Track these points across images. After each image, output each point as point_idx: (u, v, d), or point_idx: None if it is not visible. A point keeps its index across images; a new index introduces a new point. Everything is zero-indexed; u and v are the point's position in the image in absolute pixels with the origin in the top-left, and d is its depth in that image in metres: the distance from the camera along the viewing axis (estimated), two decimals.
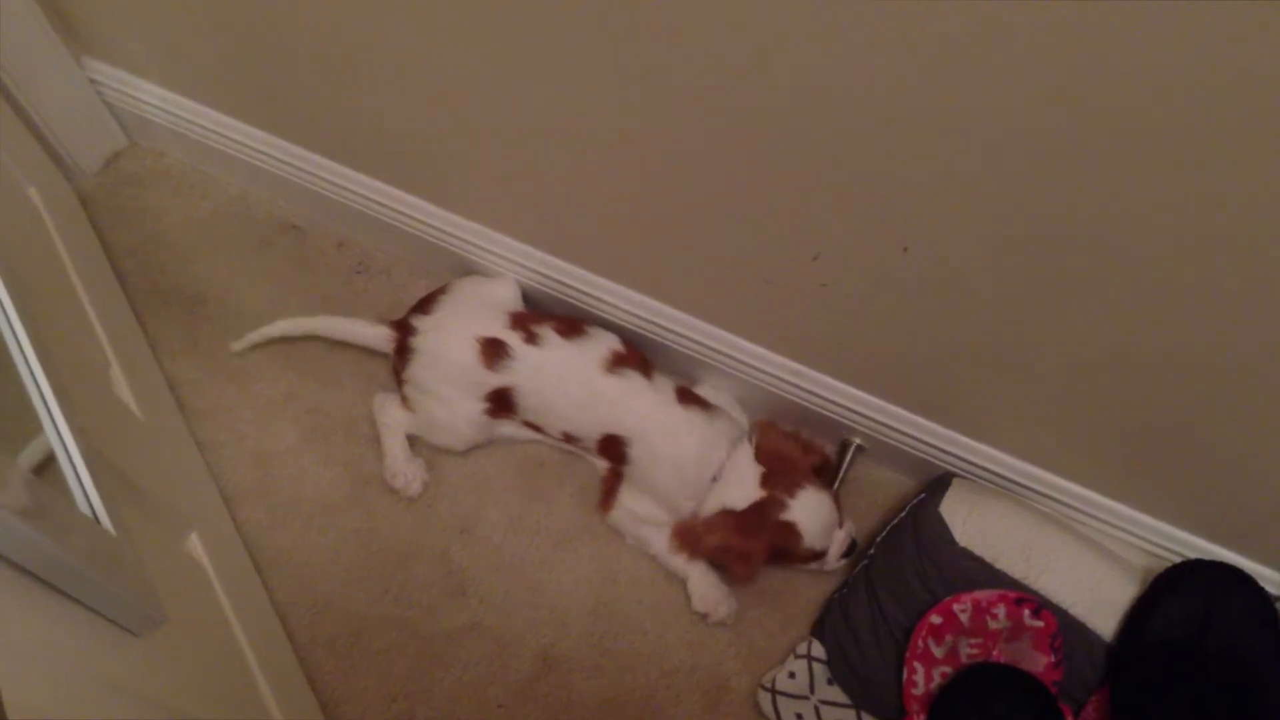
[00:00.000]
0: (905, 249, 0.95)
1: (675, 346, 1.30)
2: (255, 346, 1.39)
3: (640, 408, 1.21)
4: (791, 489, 1.17)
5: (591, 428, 1.23)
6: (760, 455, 1.20)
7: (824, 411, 1.27)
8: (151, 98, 1.46)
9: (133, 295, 1.44)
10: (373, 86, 1.18)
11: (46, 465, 0.82)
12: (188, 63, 1.37)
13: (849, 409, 1.24)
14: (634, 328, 1.31)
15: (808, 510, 1.17)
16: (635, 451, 1.22)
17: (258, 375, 1.39)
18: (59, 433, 0.84)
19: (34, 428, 0.83)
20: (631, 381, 1.21)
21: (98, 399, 1.09)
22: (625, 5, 0.86)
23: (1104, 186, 0.77)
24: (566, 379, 1.22)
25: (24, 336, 0.88)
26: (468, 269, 1.39)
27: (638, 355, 1.25)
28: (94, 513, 0.81)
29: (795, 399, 1.26)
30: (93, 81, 1.47)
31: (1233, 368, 0.88)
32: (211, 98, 1.42)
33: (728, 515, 1.17)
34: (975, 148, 0.80)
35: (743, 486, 1.17)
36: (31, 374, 0.86)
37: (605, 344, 1.24)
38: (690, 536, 1.19)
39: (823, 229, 0.99)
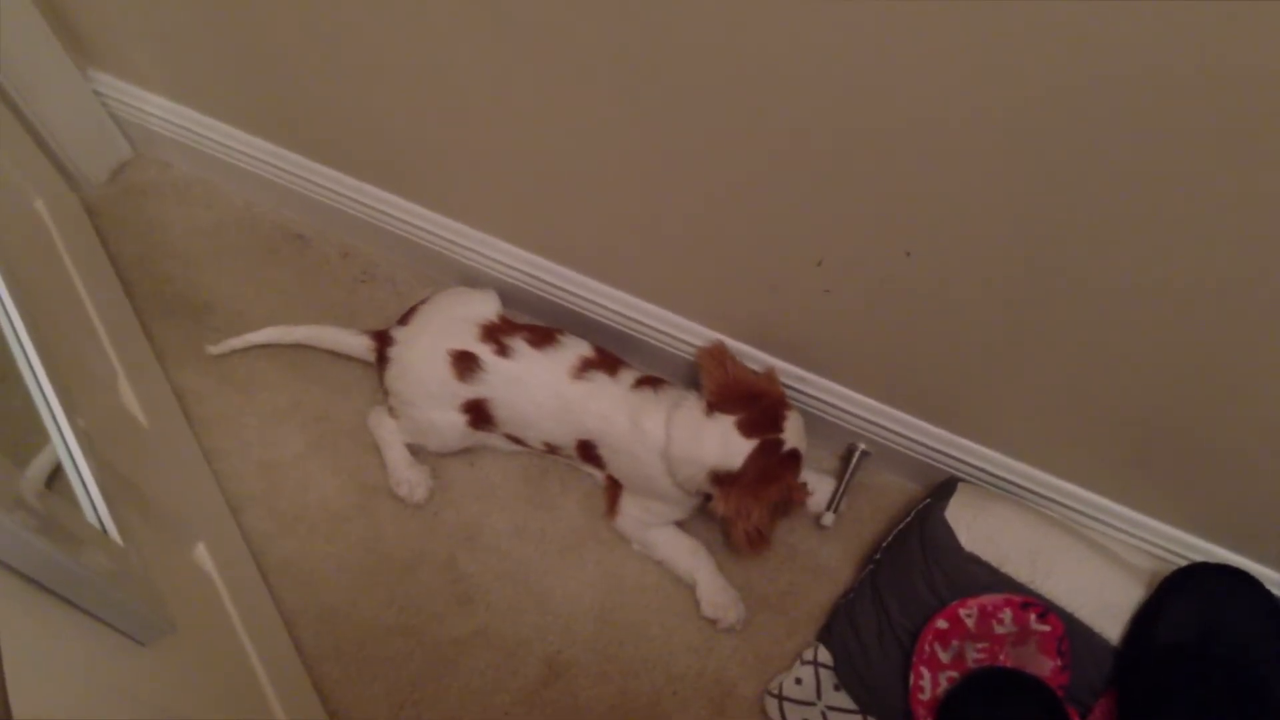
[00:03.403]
0: (908, 254, 0.95)
1: (678, 352, 1.30)
2: (237, 351, 1.40)
3: (599, 408, 1.19)
4: (778, 424, 1.13)
5: (566, 436, 1.23)
6: (717, 400, 1.15)
7: (829, 417, 1.27)
8: (156, 109, 1.47)
9: (139, 305, 1.45)
10: (376, 96, 1.19)
11: (54, 476, 0.82)
12: (192, 74, 1.38)
13: (854, 415, 1.25)
14: (639, 335, 1.31)
15: (798, 430, 1.15)
16: (604, 452, 1.22)
17: (263, 383, 1.40)
18: (66, 444, 0.84)
19: (42, 439, 0.84)
20: (594, 383, 1.20)
21: (105, 409, 1.10)
22: (629, 16, 0.86)
23: (1106, 189, 0.78)
24: (537, 389, 1.20)
25: (30, 347, 0.89)
26: (473, 277, 1.39)
27: (608, 357, 1.24)
28: (101, 524, 0.81)
29: (800, 405, 1.26)
30: (98, 93, 1.48)
31: (1237, 369, 0.88)
32: (215, 109, 1.43)
33: (738, 484, 1.11)
34: (977, 152, 0.80)
35: (721, 445, 1.12)
36: (38, 384, 0.87)
37: (575, 351, 1.22)
38: (747, 536, 1.13)
39: (826, 234, 0.99)
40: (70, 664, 0.68)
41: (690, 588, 1.26)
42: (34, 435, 0.84)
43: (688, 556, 1.26)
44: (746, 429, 1.12)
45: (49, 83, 1.39)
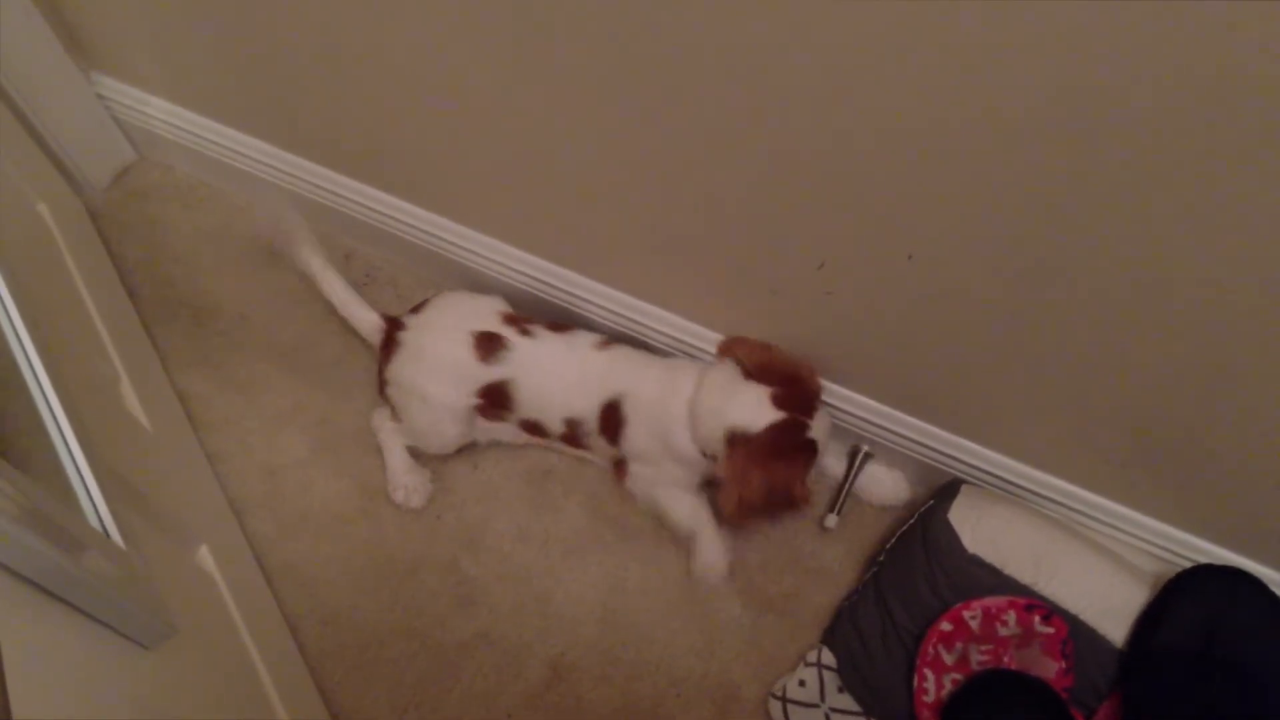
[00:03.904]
0: (909, 256, 0.95)
1: (681, 354, 1.30)
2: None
3: (630, 366, 1.21)
4: (809, 410, 1.14)
5: (589, 404, 1.22)
6: (756, 373, 1.15)
7: (833, 419, 1.27)
8: (159, 112, 1.47)
9: (142, 308, 1.45)
10: (378, 101, 1.19)
11: (57, 479, 0.82)
12: (195, 78, 1.38)
13: (857, 416, 1.24)
14: (642, 336, 1.31)
15: (824, 428, 1.16)
16: (627, 410, 1.21)
17: (266, 387, 1.40)
18: (69, 447, 0.84)
19: (44, 442, 0.84)
20: (621, 351, 1.23)
21: (107, 412, 1.10)
22: (631, 20, 0.86)
23: (1107, 193, 0.77)
24: (562, 364, 1.22)
25: (33, 351, 0.89)
26: (474, 279, 1.40)
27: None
28: (104, 527, 0.81)
29: None
30: (101, 97, 1.48)
31: (1240, 371, 0.88)
32: (218, 112, 1.43)
33: (750, 447, 1.11)
34: (978, 155, 0.80)
35: (750, 407, 1.12)
36: (41, 388, 0.87)
37: (593, 337, 1.25)
38: (739, 500, 1.13)
39: (828, 237, 0.99)
40: (72, 667, 0.68)
41: (688, 545, 1.27)
42: (36, 438, 0.84)
43: (690, 511, 1.26)
44: (780, 401, 1.12)
45: (52, 86, 1.40)
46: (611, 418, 1.22)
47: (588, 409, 1.23)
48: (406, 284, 1.49)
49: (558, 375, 1.22)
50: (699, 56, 0.86)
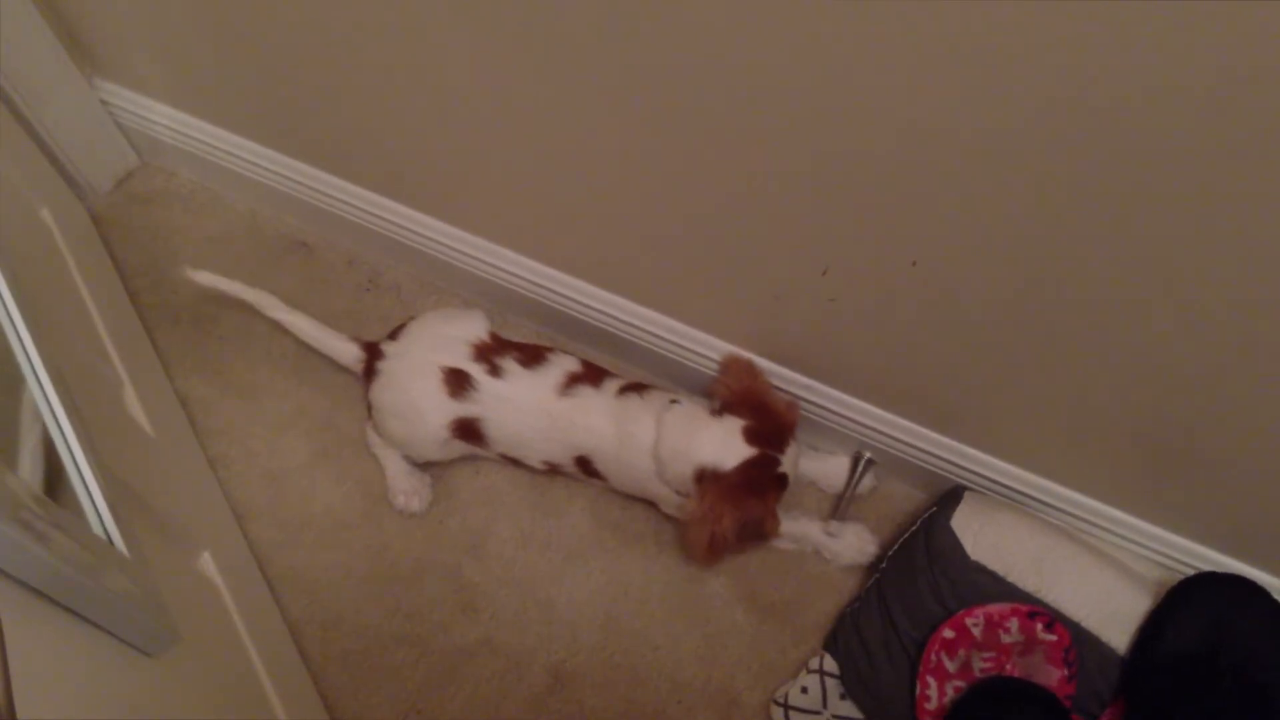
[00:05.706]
0: (914, 263, 0.95)
1: (686, 361, 1.30)
2: (213, 295, 1.35)
3: (586, 421, 1.19)
4: (781, 446, 1.13)
5: (563, 454, 1.22)
6: (735, 401, 1.15)
7: (835, 425, 1.27)
8: (162, 118, 1.47)
9: (145, 314, 1.45)
10: (381, 106, 1.19)
11: (60, 486, 0.82)
12: (198, 83, 1.38)
13: (860, 423, 1.24)
14: (644, 343, 1.31)
15: (792, 464, 1.15)
16: (599, 466, 1.21)
17: (269, 392, 1.40)
18: (72, 453, 0.84)
19: (48, 449, 0.84)
20: (580, 398, 1.19)
21: (110, 418, 1.10)
22: (637, 31, 0.86)
23: (1111, 200, 0.77)
24: (528, 410, 1.20)
25: (36, 356, 0.89)
26: (477, 284, 1.40)
27: (593, 370, 1.23)
28: (107, 533, 0.81)
29: (806, 413, 1.26)
30: (104, 102, 1.48)
31: (1244, 380, 0.88)
32: (221, 117, 1.43)
33: (722, 485, 1.11)
34: (983, 162, 0.80)
35: (719, 443, 1.12)
36: (44, 392, 0.87)
37: (562, 367, 1.22)
38: (711, 539, 1.11)
39: (832, 243, 0.99)
40: (75, 675, 0.68)
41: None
42: (40, 446, 0.84)
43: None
44: (751, 437, 1.12)
45: (55, 91, 1.40)
46: (590, 469, 1.23)
47: (563, 458, 1.23)
48: (410, 288, 1.49)
49: (526, 423, 1.21)
50: (703, 68, 0.86)
